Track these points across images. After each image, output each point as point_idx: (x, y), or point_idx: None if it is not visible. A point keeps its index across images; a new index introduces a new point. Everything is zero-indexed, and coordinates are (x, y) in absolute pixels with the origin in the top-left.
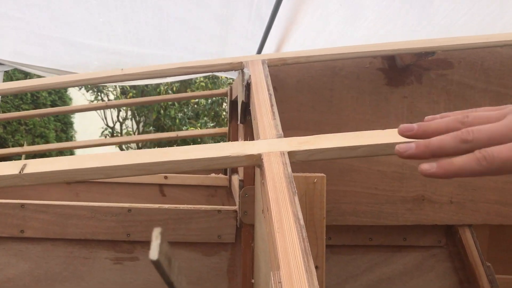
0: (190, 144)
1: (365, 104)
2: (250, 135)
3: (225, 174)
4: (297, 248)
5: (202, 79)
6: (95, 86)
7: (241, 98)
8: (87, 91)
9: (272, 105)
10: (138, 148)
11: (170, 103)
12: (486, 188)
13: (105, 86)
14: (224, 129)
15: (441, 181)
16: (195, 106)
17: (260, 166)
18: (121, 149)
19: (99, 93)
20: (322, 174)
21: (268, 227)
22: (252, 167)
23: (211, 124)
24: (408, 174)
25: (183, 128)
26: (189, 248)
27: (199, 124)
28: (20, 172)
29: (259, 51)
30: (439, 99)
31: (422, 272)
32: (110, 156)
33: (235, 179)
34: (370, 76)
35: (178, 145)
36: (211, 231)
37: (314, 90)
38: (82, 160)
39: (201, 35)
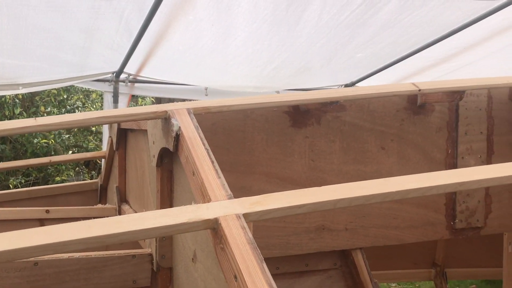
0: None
1: (273, 145)
2: (166, 178)
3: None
4: None
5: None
6: None
7: (161, 145)
8: None
9: (212, 162)
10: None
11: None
12: (373, 215)
13: None
14: (100, 153)
15: (338, 211)
16: None
17: (216, 229)
18: None
19: None
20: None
21: None
22: None
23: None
24: None
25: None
26: None
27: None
28: None
29: (125, 63)
30: (335, 138)
31: None
32: (57, 230)
33: (127, 210)
34: (277, 119)
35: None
36: (125, 277)
37: (228, 132)
38: (26, 236)
39: (64, 45)
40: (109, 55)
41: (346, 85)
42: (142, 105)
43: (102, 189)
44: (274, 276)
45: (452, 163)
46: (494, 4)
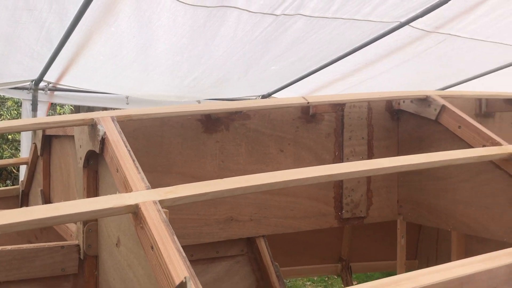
0: None
1: (188, 148)
2: (92, 178)
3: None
4: (186, 271)
5: None
6: None
7: (87, 148)
8: None
9: (133, 160)
10: None
11: None
12: (274, 207)
13: None
14: (22, 159)
15: (244, 204)
16: None
17: (136, 213)
18: None
19: None
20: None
21: (156, 260)
22: None
23: None
24: (220, 201)
25: None
26: (33, 284)
27: None
28: None
29: (44, 71)
30: (241, 142)
31: (230, 276)
32: (3, 214)
33: None
34: (191, 125)
35: None
36: (54, 266)
37: (148, 137)
38: None
39: None
40: (29, 63)
41: (263, 96)
42: (61, 113)
43: (24, 194)
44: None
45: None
46: (389, 26)
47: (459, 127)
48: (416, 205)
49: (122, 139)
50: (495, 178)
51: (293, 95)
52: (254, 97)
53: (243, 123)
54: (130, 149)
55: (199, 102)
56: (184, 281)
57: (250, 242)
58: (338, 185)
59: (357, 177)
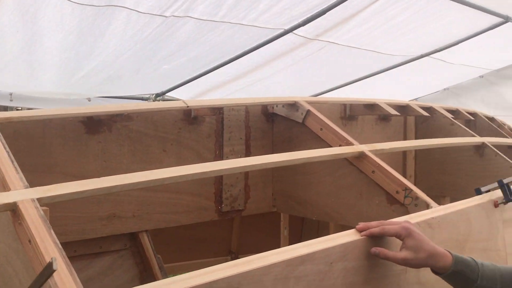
0: None
1: (70, 149)
2: None
3: None
4: (62, 264)
5: None
6: None
7: None
8: None
9: (12, 161)
10: None
11: None
12: (156, 204)
13: None
14: None
15: (126, 201)
16: None
17: (15, 210)
18: None
19: None
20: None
21: (33, 252)
22: None
23: None
24: (103, 199)
25: None
26: None
27: None
28: None
29: None
30: (124, 143)
31: (113, 270)
32: None
33: None
34: (73, 127)
35: None
36: None
37: (29, 138)
38: None
39: None
40: None
41: (157, 95)
42: None
43: None
44: (72, 258)
45: None
46: (274, 33)
47: (321, 129)
48: (288, 197)
49: (1, 141)
50: (349, 173)
51: (186, 94)
52: (147, 96)
53: (126, 124)
54: (9, 150)
55: (89, 100)
56: (50, 261)
57: (133, 237)
58: (218, 181)
59: (236, 174)
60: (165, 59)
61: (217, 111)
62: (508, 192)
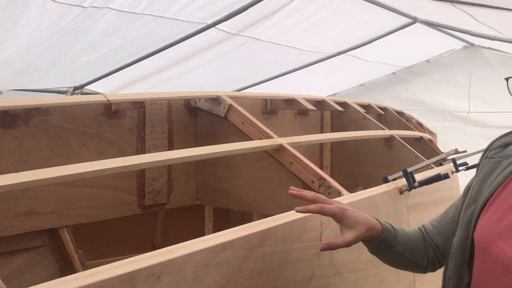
0: None
1: None
2: None
3: None
4: None
5: None
6: None
7: None
8: None
9: None
10: None
11: None
12: (77, 199)
13: None
14: None
15: (46, 197)
16: None
17: None
18: None
19: None
20: None
21: None
22: None
23: None
24: (20, 195)
25: None
26: None
27: None
28: None
29: None
30: (42, 137)
31: (32, 267)
32: None
33: None
34: None
35: None
36: None
37: None
38: None
39: None
40: None
41: (76, 88)
42: None
43: None
44: None
45: None
46: (197, 27)
47: (243, 123)
48: (211, 190)
49: None
50: (269, 165)
51: (107, 88)
52: (65, 89)
53: (44, 118)
54: None
55: (1, 93)
56: None
57: (53, 233)
58: (140, 175)
59: (159, 168)
60: (83, 51)
61: (139, 105)
62: (411, 180)
